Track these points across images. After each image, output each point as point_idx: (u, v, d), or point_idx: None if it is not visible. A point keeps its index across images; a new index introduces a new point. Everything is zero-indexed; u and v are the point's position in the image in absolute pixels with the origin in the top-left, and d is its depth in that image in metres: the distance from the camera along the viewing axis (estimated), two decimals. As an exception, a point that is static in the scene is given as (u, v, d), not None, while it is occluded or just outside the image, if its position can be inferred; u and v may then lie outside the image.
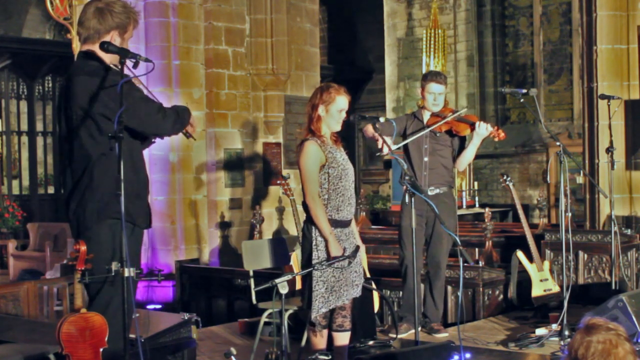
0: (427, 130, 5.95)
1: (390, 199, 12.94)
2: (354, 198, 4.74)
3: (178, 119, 3.81)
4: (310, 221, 4.66)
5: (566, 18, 13.53)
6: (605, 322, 2.38)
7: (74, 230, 3.76)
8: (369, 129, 5.63)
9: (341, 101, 4.68)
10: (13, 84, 13.98)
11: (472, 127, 5.92)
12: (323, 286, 4.58)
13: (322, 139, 4.68)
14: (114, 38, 3.72)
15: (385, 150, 5.26)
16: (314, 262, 4.58)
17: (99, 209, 3.63)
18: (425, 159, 6.02)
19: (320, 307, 4.59)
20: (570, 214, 5.71)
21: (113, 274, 3.33)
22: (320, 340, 4.71)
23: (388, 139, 5.53)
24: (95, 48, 3.71)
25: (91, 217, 3.64)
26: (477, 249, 8.24)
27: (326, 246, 4.59)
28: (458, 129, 5.99)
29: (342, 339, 4.74)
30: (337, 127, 4.73)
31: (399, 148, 6.04)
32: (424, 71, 13.02)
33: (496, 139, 5.96)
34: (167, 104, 4.07)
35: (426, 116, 6.10)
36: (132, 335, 3.68)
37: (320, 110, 4.66)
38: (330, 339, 4.77)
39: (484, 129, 5.85)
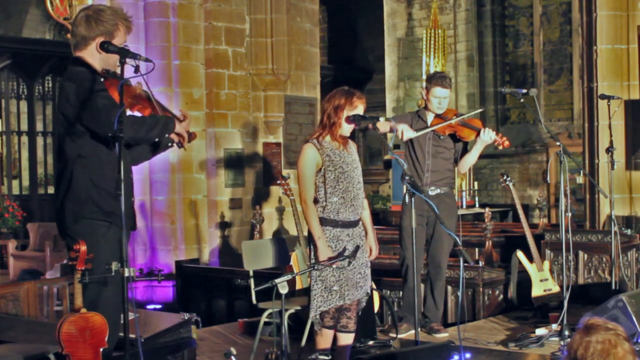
0: (430, 129, 5.93)
1: (390, 199, 12.94)
2: (360, 199, 4.71)
3: (141, 128, 3.73)
4: None
5: (566, 18, 13.53)
6: (604, 322, 2.38)
7: (58, 230, 3.82)
8: (384, 125, 5.67)
9: (360, 109, 4.69)
10: (13, 84, 13.96)
11: (478, 133, 5.91)
12: (322, 285, 4.59)
13: (336, 140, 4.67)
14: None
15: (407, 135, 5.72)
16: (312, 261, 4.61)
17: (76, 210, 3.67)
18: (428, 161, 6.01)
19: (320, 306, 4.60)
20: (570, 214, 5.71)
21: (113, 273, 3.34)
22: (323, 340, 4.70)
23: (406, 126, 5.77)
24: (84, 54, 3.78)
25: (69, 218, 3.70)
26: (477, 249, 8.25)
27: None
28: (462, 134, 5.98)
29: (345, 339, 4.74)
30: (348, 132, 4.73)
31: (410, 140, 6.03)
32: (424, 71, 13.03)
33: (500, 147, 5.95)
34: (167, 104, 4.07)
35: (429, 117, 6.08)
36: (132, 335, 3.68)
37: (344, 114, 4.65)
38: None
39: (488, 137, 5.84)
